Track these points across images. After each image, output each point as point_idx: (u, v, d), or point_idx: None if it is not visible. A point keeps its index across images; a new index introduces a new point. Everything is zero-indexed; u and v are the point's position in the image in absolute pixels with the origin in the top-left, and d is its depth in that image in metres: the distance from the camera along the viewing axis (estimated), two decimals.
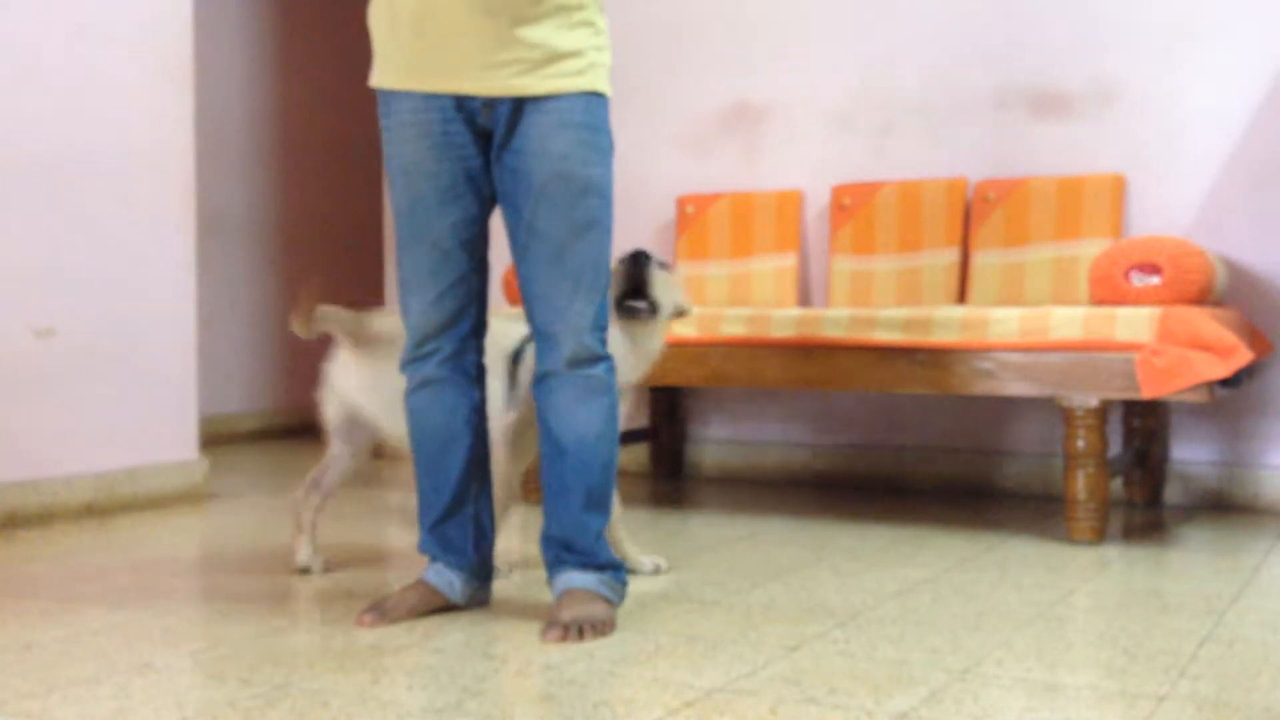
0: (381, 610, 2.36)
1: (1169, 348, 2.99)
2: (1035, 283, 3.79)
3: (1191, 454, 3.80)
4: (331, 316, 2.68)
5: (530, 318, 2.36)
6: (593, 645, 2.20)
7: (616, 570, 2.41)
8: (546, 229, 2.29)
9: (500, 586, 2.62)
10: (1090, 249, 3.72)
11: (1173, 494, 3.80)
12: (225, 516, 3.77)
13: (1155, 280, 3.21)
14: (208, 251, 5.29)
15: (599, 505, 2.39)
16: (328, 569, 2.85)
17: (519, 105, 2.28)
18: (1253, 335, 3.46)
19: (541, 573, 2.60)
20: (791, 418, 4.35)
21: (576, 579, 2.36)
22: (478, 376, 2.44)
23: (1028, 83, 4.01)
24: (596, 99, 2.33)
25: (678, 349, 3.49)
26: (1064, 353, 3.11)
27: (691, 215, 4.40)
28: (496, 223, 2.42)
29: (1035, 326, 3.14)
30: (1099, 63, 3.92)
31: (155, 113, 3.95)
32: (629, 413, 2.80)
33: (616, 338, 2.62)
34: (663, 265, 2.72)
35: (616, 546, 2.70)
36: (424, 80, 2.30)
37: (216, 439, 5.47)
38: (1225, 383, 3.07)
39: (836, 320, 3.36)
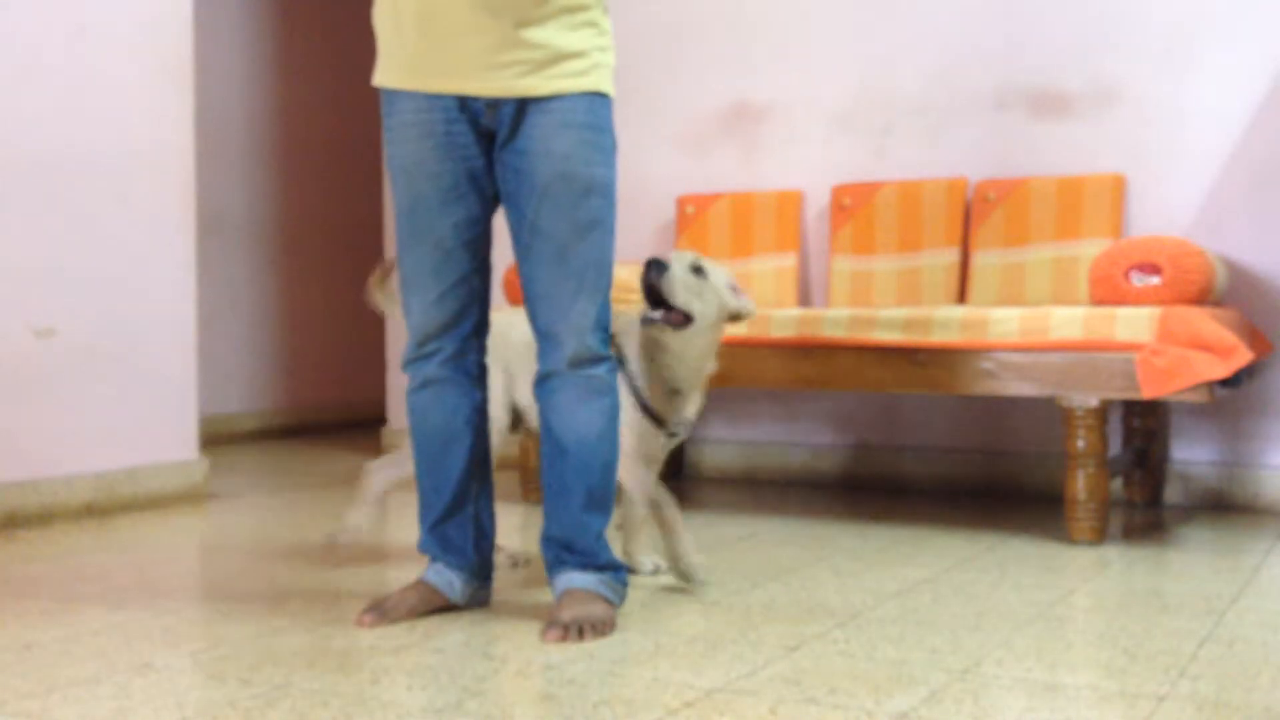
0: (381, 610, 2.36)
1: (1169, 348, 2.99)
2: (1035, 283, 3.79)
3: (1191, 454, 3.80)
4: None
5: (532, 318, 2.36)
6: (593, 645, 2.20)
7: (617, 571, 2.42)
8: (549, 229, 2.29)
9: (500, 586, 2.62)
10: (1090, 249, 3.72)
11: (1173, 494, 3.80)
12: (225, 516, 3.77)
13: (1155, 280, 3.21)
14: (208, 251, 5.29)
15: (600, 505, 2.39)
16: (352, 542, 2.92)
17: (522, 106, 2.28)
18: (1253, 335, 3.46)
19: (541, 572, 2.60)
20: (791, 418, 4.35)
21: (577, 579, 2.36)
22: (479, 376, 2.44)
23: (1028, 83, 4.01)
24: (600, 99, 2.34)
25: None
26: (1064, 353, 3.11)
27: (691, 215, 4.40)
28: (498, 222, 2.42)
29: (1035, 326, 3.14)
30: (1099, 63, 3.92)
31: (155, 113, 3.95)
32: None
33: (637, 347, 2.62)
34: (698, 269, 2.56)
35: (672, 553, 2.64)
36: (427, 80, 2.30)
37: (216, 439, 5.47)
38: (1225, 383, 3.07)
39: (836, 320, 3.36)
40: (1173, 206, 3.80)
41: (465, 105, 2.30)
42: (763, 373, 3.47)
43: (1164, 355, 2.98)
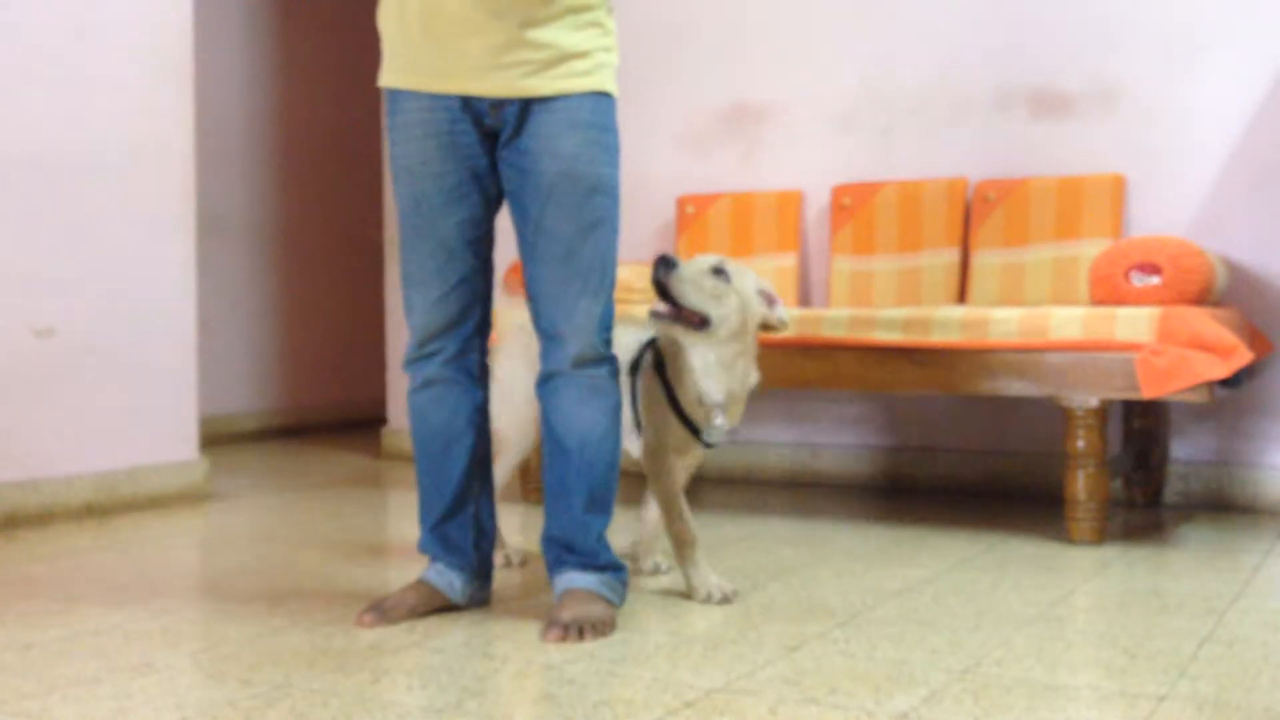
0: (381, 610, 2.36)
1: (1169, 348, 2.99)
2: (1035, 283, 3.79)
3: (1191, 454, 3.80)
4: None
5: (536, 317, 2.36)
6: (593, 645, 2.20)
7: (618, 571, 2.42)
8: (555, 228, 2.29)
9: (500, 586, 2.62)
10: (1090, 249, 3.72)
11: (1173, 494, 3.80)
12: (225, 516, 3.77)
13: (1155, 280, 3.21)
14: (208, 251, 5.28)
15: (601, 506, 2.39)
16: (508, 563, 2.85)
17: (526, 106, 2.28)
18: (1253, 335, 3.46)
19: (541, 572, 2.60)
20: (791, 418, 4.34)
21: (577, 579, 2.36)
22: (480, 376, 2.44)
23: (1028, 83, 4.01)
24: (604, 99, 2.34)
25: None
26: (1064, 353, 3.11)
27: (691, 215, 4.40)
28: (499, 222, 2.42)
29: (1035, 326, 3.14)
30: (1099, 63, 3.92)
31: (155, 113, 3.95)
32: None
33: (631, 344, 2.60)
34: (719, 271, 2.43)
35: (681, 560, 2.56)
36: (431, 80, 2.30)
37: (216, 439, 5.47)
38: (1225, 383, 3.07)
39: (836, 320, 3.36)
40: (1173, 206, 3.80)
41: (469, 105, 2.30)
42: (763, 372, 3.46)
43: (1164, 355, 2.98)
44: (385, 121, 2.43)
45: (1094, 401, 3.11)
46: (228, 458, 5.06)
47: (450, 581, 2.43)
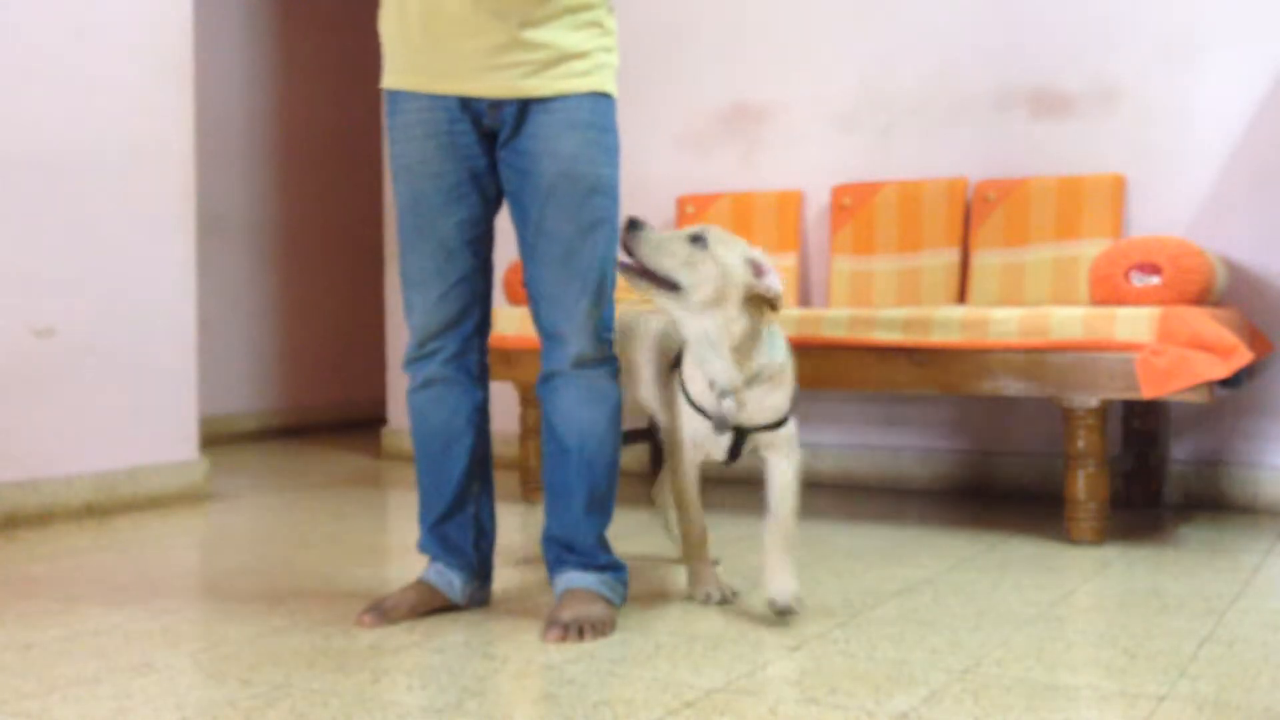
0: (381, 610, 2.36)
1: (1169, 348, 2.99)
2: (1035, 283, 3.79)
3: (1191, 454, 3.80)
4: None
5: (536, 317, 2.37)
6: (593, 645, 2.20)
7: (618, 571, 2.42)
8: (555, 229, 2.29)
9: (500, 586, 2.62)
10: (1090, 249, 3.72)
11: (1173, 494, 3.80)
12: (225, 516, 3.77)
13: (1155, 280, 3.21)
14: (208, 251, 5.29)
15: (601, 506, 2.39)
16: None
17: (525, 106, 2.29)
18: (1253, 335, 3.46)
19: (541, 572, 2.60)
20: None
21: (577, 579, 2.36)
22: (480, 376, 2.44)
23: (1028, 83, 4.01)
24: (603, 99, 2.34)
25: None
26: (1064, 353, 3.11)
27: (691, 215, 4.40)
28: (499, 223, 2.42)
29: (1035, 326, 3.14)
30: (1099, 63, 3.91)
31: (155, 113, 3.95)
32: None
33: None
34: (696, 239, 2.30)
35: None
36: (430, 81, 2.30)
37: (216, 439, 5.48)
38: (1225, 383, 3.07)
39: (836, 320, 3.36)
40: (1173, 206, 3.80)
41: (467, 105, 2.30)
42: None
43: (1164, 355, 2.98)
44: (385, 122, 2.43)
45: (1094, 401, 3.11)
46: (228, 458, 5.06)
47: (450, 581, 2.44)
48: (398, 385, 5.18)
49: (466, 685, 1.97)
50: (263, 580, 2.79)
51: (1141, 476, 3.73)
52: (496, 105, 2.29)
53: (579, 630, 2.23)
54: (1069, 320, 3.11)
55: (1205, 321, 3.02)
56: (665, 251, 2.29)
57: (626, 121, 4.54)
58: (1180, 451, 3.82)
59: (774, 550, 2.39)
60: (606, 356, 2.36)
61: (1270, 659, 2.10)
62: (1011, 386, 3.18)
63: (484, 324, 2.43)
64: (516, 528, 3.42)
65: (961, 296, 3.96)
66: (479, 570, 2.47)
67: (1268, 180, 3.70)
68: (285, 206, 6.27)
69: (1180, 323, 3.01)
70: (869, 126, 4.26)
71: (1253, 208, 3.72)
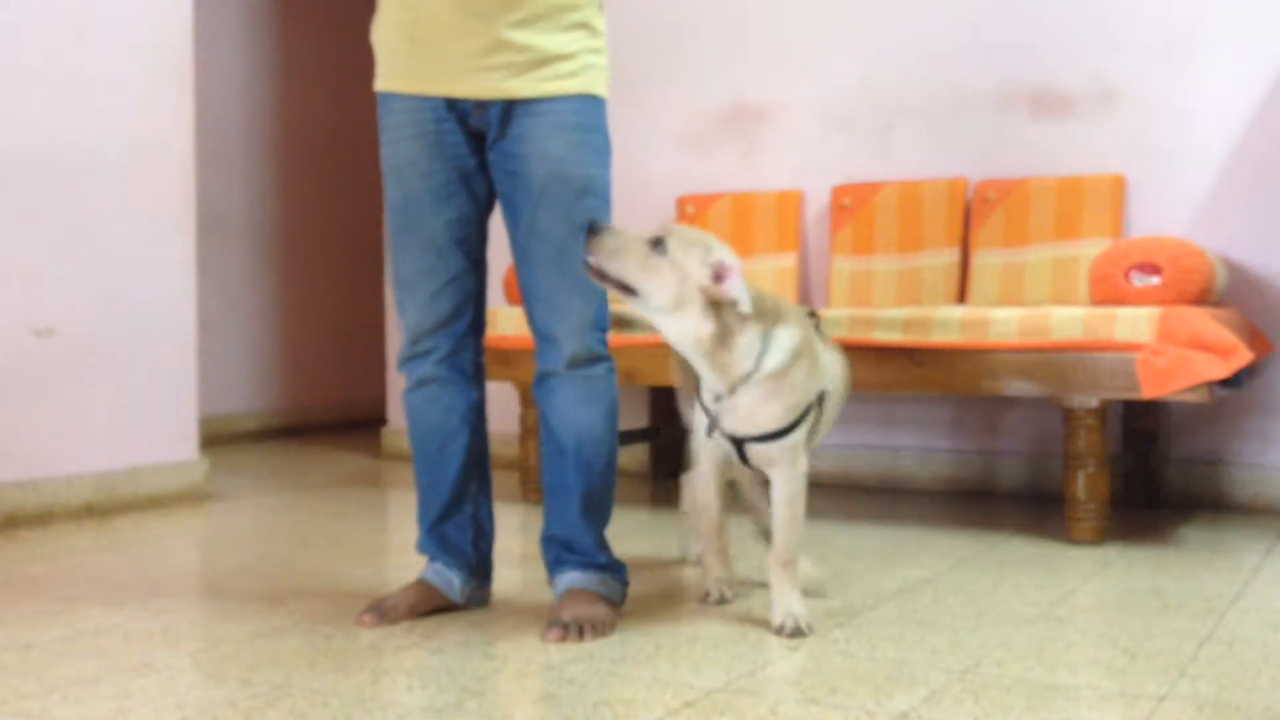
0: (381, 610, 2.36)
1: (1169, 348, 2.99)
2: (1035, 283, 3.79)
3: (1191, 454, 3.80)
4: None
5: (530, 318, 2.37)
6: (593, 645, 2.20)
7: (617, 570, 2.42)
8: (546, 230, 2.30)
9: (500, 586, 2.62)
10: (1090, 249, 3.72)
11: (1173, 494, 3.80)
12: (225, 516, 3.77)
13: (1155, 280, 3.21)
14: (208, 251, 5.29)
15: (600, 505, 2.40)
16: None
17: (509, 107, 2.30)
18: (1253, 335, 3.46)
19: (541, 572, 2.60)
20: None
21: (577, 579, 2.37)
22: (475, 375, 2.45)
23: (1028, 83, 4.01)
24: (592, 100, 2.34)
25: None
26: (1064, 353, 3.11)
27: (691, 215, 4.40)
28: (496, 223, 2.42)
29: (1035, 326, 3.14)
30: (1099, 63, 3.91)
31: (155, 112, 3.95)
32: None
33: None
34: (657, 242, 2.21)
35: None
36: (418, 83, 2.32)
37: (216, 439, 5.48)
38: (1225, 383, 3.07)
39: (836, 320, 3.35)
40: (1173, 206, 3.80)
41: (454, 106, 2.32)
42: None
43: (1164, 355, 2.98)
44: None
45: (1094, 401, 3.11)
46: (228, 458, 5.06)
47: (449, 581, 2.44)
48: (397, 385, 5.18)
49: (466, 685, 1.97)
50: (263, 580, 2.79)
51: (1141, 476, 3.73)
52: (482, 106, 2.30)
53: (579, 630, 2.23)
54: (1069, 320, 3.11)
55: (1205, 321, 3.02)
56: (622, 256, 2.20)
57: (626, 121, 4.57)
58: (1180, 451, 3.82)
59: (772, 572, 2.34)
60: (601, 356, 2.37)
61: (1270, 659, 2.10)
62: (1011, 386, 3.18)
63: (478, 323, 2.44)
64: (516, 528, 3.42)
65: (961, 296, 3.96)
66: (478, 570, 2.48)
67: (1268, 180, 3.70)
68: (285, 206, 6.27)
69: (1180, 323, 3.01)
70: (869, 126, 4.26)
71: (1253, 208, 3.72)
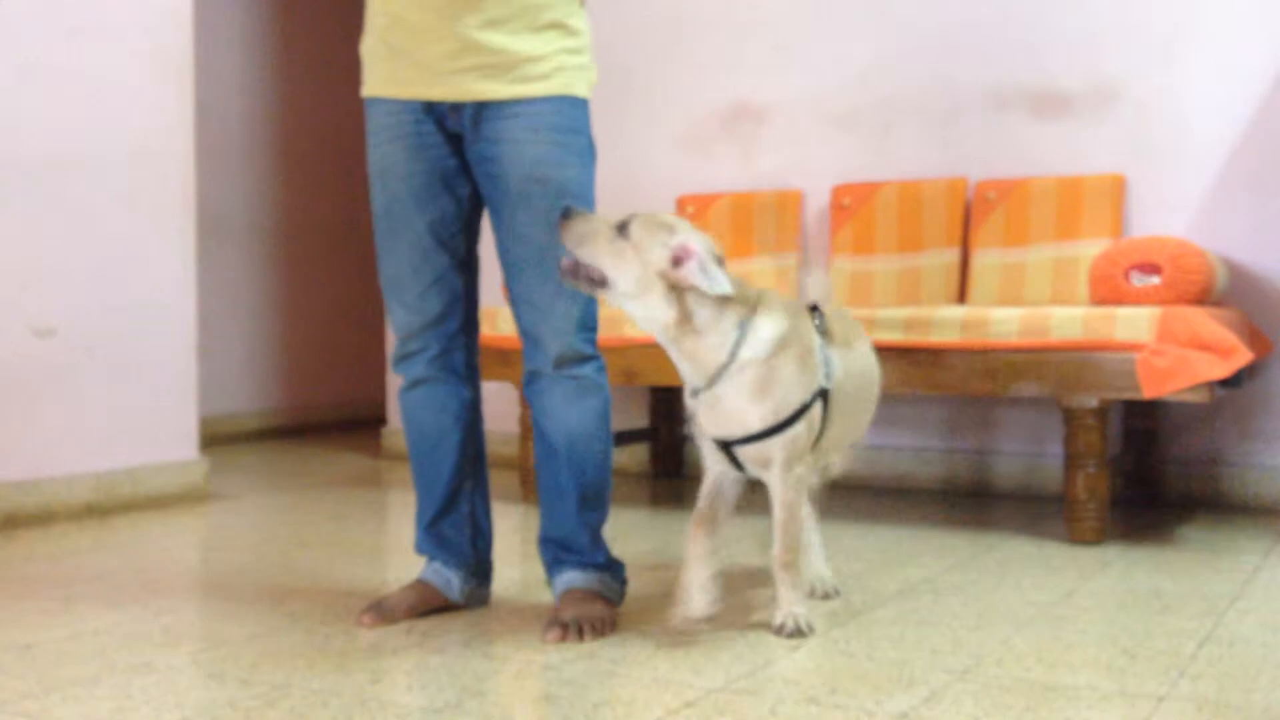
0: (381, 610, 2.36)
1: (1169, 348, 2.98)
2: (1035, 283, 3.79)
3: (1192, 454, 3.80)
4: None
5: (517, 319, 2.39)
6: (592, 645, 2.20)
7: (616, 569, 2.42)
8: (526, 232, 2.31)
9: (500, 586, 2.62)
10: (1090, 249, 3.72)
11: (1173, 494, 3.80)
12: (225, 516, 3.77)
13: (1155, 280, 3.21)
14: (208, 251, 5.28)
15: (595, 504, 2.40)
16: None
17: (481, 109, 2.32)
18: (1253, 335, 3.46)
19: (541, 572, 2.60)
20: None
21: (577, 579, 2.37)
22: (468, 375, 2.46)
23: (1028, 83, 4.01)
24: (569, 101, 2.35)
25: None
26: (1064, 353, 3.11)
27: (691, 215, 4.40)
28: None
29: (1035, 326, 3.14)
30: (1099, 63, 3.91)
31: (155, 113, 3.95)
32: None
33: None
34: (622, 226, 2.15)
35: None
36: (397, 87, 2.35)
37: (216, 439, 5.47)
38: (1225, 383, 3.07)
39: None
40: (1173, 206, 3.80)
41: (431, 108, 2.34)
42: None
43: (1164, 355, 2.98)
44: None
45: (1094, 401, 3.11)
46: (228, 458, 5.06)
47: (448, 580, 2.44)
48: (397, 385, 5.15)
49: (466, 685, 1.97)
50: (263, 580, 2.79)
51: (1141, 476, 3.73)
52: (456, 108, 2.33)
53: (579, 630, 2.23)
54: (1069, 320, 3.11)
55: (1205, 321, 3.02)
56: (590, 241, 2.16)
57: (626, 121, 4.57)
58: (1180, 451, 3.82)
59: (775, 573, 2.30)
60: (589, 355, 2.37)
61: (1270, 659, 2.10)
62: (1011, 386, 3.17)
63: (469, 323, 2.45)
64: (516, 528, 3.42)
65: (961, 296, 3.96)
66: (477, 569, 2.48)
67: (1268, 180, 3.70)
68: (285, 206, 6.27)
69: (1180, 323, 3.01)
70: (869, 126, 4.26)
71: (1253, 208, 3.72)
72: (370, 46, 2.40)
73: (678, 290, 2.14)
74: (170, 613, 2.48)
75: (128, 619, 2.42)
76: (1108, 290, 3.28)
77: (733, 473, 2.32)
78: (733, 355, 2.16)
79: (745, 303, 2.19)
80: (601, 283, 2.16)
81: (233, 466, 4.85)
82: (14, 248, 3.56)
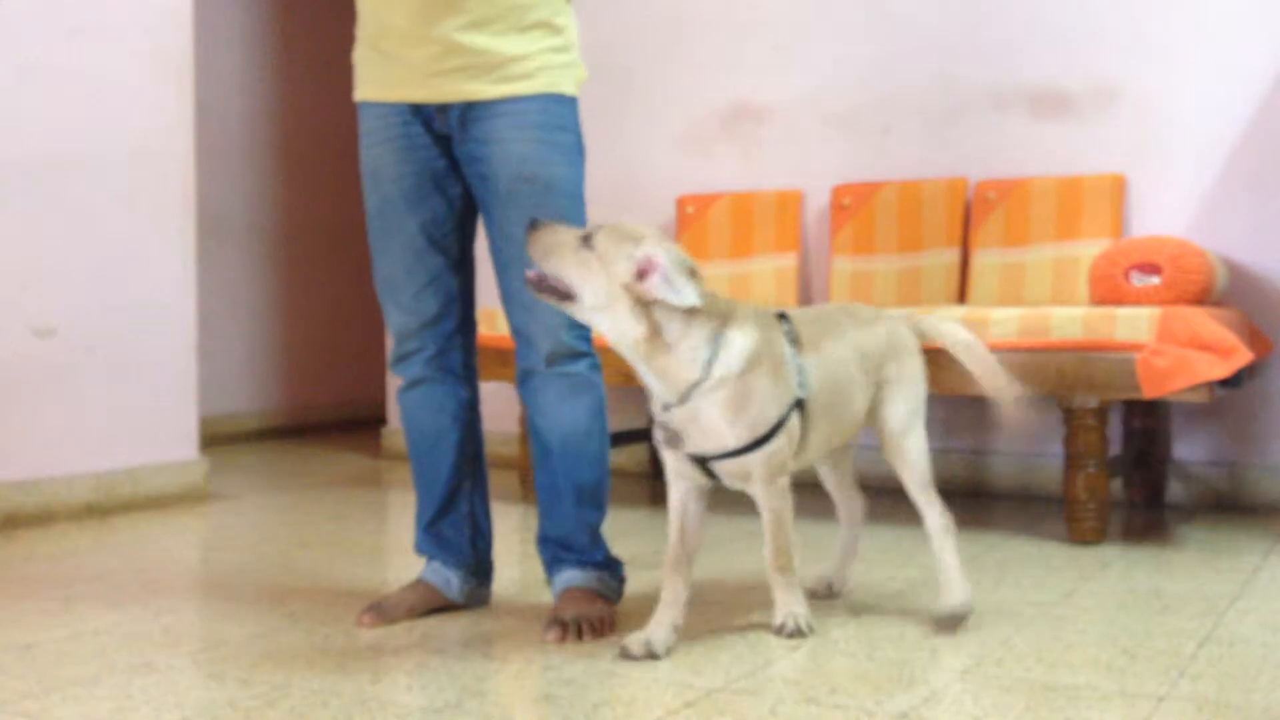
0: (381, 610, 2.36)
1: (1169, 348, 2.98)
2: (1035, 283, 3.79)
3: (1191, 454, 3.80)
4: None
5: (509, 317, 2.40)
6: (592, 645, 2.20)
7: (614, 568, 2.43)
8: (515, 231, 2.31)
9: (500, 586, 2.62)
10: (1090, 249, 3.72)
11: (1173, 494, 3.80)
12: (225, 516, 3.77)
13: (1155, 280, 3.21)
14: (208, 251, 5.28)
15: (592, 501, 2.41)
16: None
17: (468, 109, 2.33)
18: (1253, 335, 3.46)
19: (541, 572, 2.60)
20: None
21: (576, 577, 2.38)
22: (465, 374, 2.47)
23: (1028, 83, 4.01)
24: (555, 99, 2.36)
25: None
26: (1064, 353, 3.11)
27: (691, 215, 4.40)
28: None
29: (1035, 326, 3.14)
30: (1099, 63, 3.91)
31: (155, 113, 3.95)
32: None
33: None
34: (586, 238, 2.09)
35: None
36: (385, 90, 2.38)
37: (216, 439, 5.47)
38: (1225, 383, 3.07)
39: None
40: (1173, 206, 3.80)
41: (418, 110, 2.36)
42: None
43: (1164, 355, 2.98)
44: None
45: (1094, 401, 3.11)
46: (228, 458, 5.06)
47: (447, 579, 2.44)
48: (397, 385, 5.18)
49: (466, 685, 1.97)
50: (263, 580, 2.79)
51: (1141, 476, 3.73)
52: (443, 110, 2.34)
53: (579, 630, 2.23)
54: (1069, 320, 3.11)
55: (1205, 321, 3.01)
56: (556, 254, 2.10)
57: (626, 121, 4.57)
58: (1180, 451, 3.82)
59: (770, 579, 2.28)
60: (582, 352, 2.37)
61: (1270, 659, 2.10)
62: None
63: (465, 322, 2.46)
64: (516, 527, 3.42)
65: (961, 296, 3.96)
66: (477, 569, 2.48)
67: (1268, 180, 3.70)
68: (285, 206, 6.27)
69: (1180, 323, 3.01)
70: (869, 126, 4.26)
71: (1253, 208, 3.72)
72: (361, 54, 2.43)
73: (645, 304, 2.07)
74: (170, 613, 2.48)
75: (128, 619, 2.42)
76: (1108, 290, 3.28)
77: (705, 482, 2.24)
78: (706, 372, 2.09)
79: (715, 316, 2.12)
80: (568, 296, 2.10)
81: (233, 466, 4.85)
82: (14, 248, 3.56)
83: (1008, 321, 3.16)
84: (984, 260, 3.90)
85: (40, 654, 2.18)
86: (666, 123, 4.58)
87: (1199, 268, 3.23)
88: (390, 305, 2.42)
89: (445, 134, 2.36)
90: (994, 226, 3.92)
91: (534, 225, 2.12)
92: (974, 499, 3.94)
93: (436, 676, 2.03)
